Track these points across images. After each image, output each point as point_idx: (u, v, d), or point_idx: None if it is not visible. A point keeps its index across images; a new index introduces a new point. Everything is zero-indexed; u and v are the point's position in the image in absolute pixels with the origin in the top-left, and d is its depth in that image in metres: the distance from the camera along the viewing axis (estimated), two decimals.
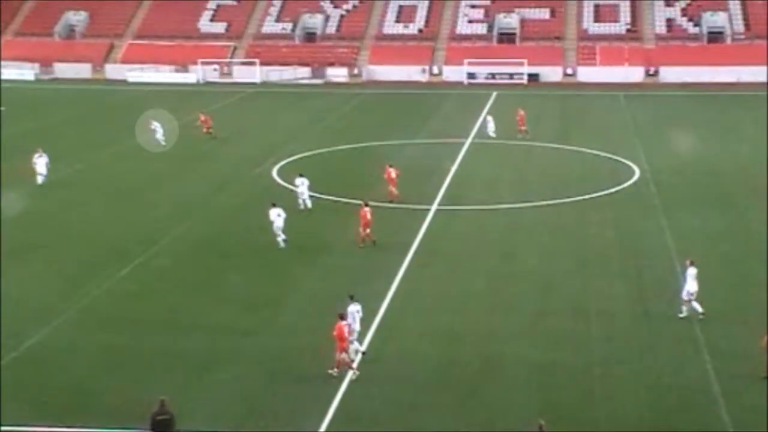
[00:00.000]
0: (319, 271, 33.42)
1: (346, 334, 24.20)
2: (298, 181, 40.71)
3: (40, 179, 45.54)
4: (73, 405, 23.13)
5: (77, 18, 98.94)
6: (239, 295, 30.59)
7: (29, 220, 40.08)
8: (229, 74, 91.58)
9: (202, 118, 59.56)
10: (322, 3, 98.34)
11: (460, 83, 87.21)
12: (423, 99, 78.51)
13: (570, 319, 28.44)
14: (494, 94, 78.42)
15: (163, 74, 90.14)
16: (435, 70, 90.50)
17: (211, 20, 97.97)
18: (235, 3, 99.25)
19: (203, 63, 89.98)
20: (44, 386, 24.16)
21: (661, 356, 25.70)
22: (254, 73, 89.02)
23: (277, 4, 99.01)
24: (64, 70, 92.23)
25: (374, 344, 26.39)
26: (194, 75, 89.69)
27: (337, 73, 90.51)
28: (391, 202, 40.77)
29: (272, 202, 36.28)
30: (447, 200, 42.66)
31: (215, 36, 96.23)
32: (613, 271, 32.81)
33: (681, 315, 27.98)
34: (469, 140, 57.22)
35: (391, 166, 42.05)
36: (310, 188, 40.85)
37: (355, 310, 25.38)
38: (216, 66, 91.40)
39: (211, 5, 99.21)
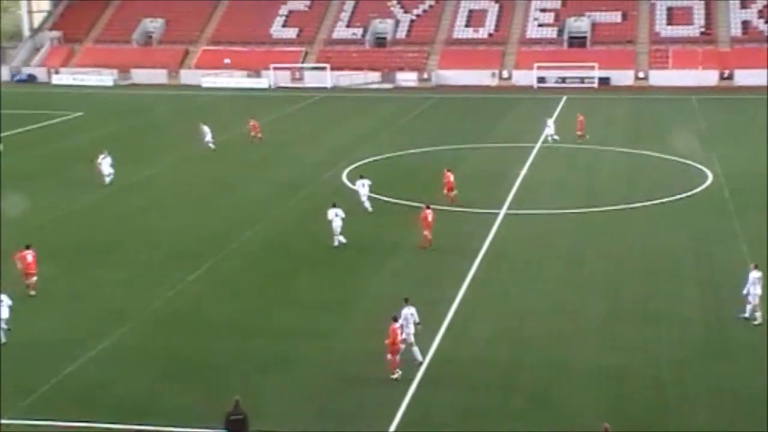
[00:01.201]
0: (387, 274, 33.63)
1: (399, 337, 24.44)
2: (360, 182, 41.05)
3: (107, 180, 46.78)
4: (147, 404, 23.64)
5: (154, 25, 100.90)
6: (308, 298, 30.93)
7: (103, 222, 41.04)
8: (301, 79, 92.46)
9: (252, 123, 60.33)
10: (392, 8, 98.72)
11: (530, 87, 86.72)
12: (492, 103, 78.31)
13: (639, 324, 28.18)
14: (564, 98, 77.82)
15: (236, 79, 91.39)
16: (505, 74, 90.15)
17: (284, 26, 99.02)
18: (306, 9, 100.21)
19: (275, 68, 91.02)
20: (119, 385, 24.75)
21: (734, 364, 25.33)
22: (325, 78, 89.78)
23: (348, 9, 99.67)
24: (141, 75, 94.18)
25: (442, 349, 26.50)
26: (266, 80, 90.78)
27: (407, 78, 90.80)
28: (450, 204, 40.80)
29: (333, 202, 36.64)
30: (515, 204, 42.56)
31: (287, 41, 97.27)
32: (684, 277, 32.40)
33: (756, 322, 27.54)
34: (538, 144, 56.90)
35: (449, 170, 42.18)
36: (372, 189, 41.12)
37: (409, 313, 25.54)
38: (288, 71, 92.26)
39: (283, 11, 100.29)
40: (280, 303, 30.70)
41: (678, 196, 43.41)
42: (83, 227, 40.11)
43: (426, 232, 35.49)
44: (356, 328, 28.53)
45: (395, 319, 24.83)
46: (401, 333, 24.72)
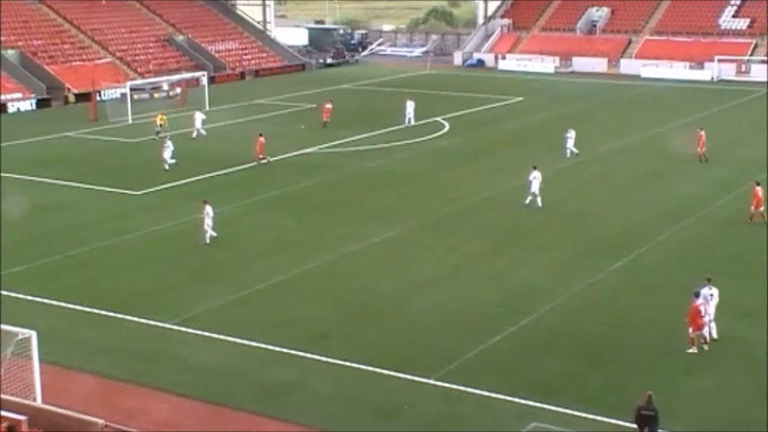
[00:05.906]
0: None
1: (702, 314, 25.43)
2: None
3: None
4: (558, 385, 24.41)
5: (599, 14, 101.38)
6: (730, 301, 29.72)
7: (529, 206, 42.36)
8: (747, 72, 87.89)
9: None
10: None
11: None
12: None
13: None
14: None
15: (677, 70, 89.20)
16: None
17: (734, 16, 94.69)
18: None
19: (719, 60, 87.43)
20: (534, 363, 25.85)
21: None
22: None
23: None
24: (581, 63, 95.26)
25: None
26: (709, 72, 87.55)
27: None
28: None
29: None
30: None
31: (735, 32, 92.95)
32: None
33: None
34: None
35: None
36: None
37: (709, 293, 26.29)
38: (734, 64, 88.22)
39: (735, 1, 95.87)
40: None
41: None
42: (510, 208, 41.87)
43: (759, 208, 37.84)
44: None
45: (696, 295, 25.91)
46: (703, 312, 25.55)
